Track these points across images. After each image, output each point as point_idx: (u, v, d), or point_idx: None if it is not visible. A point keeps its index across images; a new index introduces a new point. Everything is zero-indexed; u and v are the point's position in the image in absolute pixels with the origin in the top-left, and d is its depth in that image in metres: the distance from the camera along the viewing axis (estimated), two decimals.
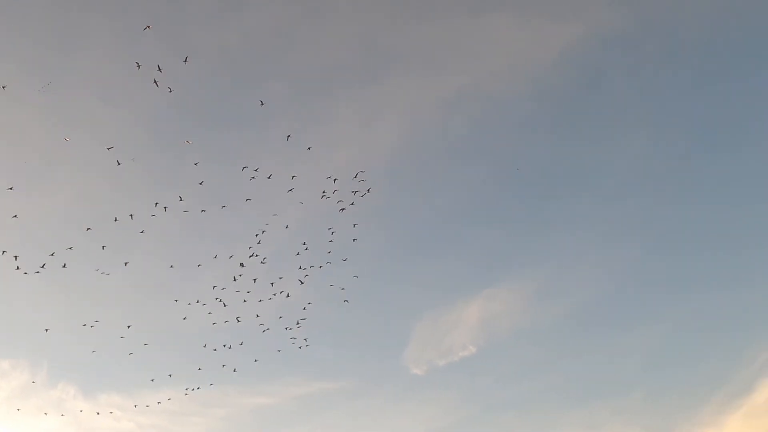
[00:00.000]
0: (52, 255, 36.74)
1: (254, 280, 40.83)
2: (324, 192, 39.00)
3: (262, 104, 36.92)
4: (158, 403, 48.12)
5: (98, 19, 50.57)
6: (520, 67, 58.26)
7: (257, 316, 42.99)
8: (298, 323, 42.76)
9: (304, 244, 41.12)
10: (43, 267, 36.81)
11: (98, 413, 49.74)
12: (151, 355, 54.96)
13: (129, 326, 43.07)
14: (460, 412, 59.05)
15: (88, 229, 37.71)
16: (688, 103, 65.10)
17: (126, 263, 39.93)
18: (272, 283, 41.11)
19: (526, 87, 60.17)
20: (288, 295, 41.52)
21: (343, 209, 39.91)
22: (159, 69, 30.87)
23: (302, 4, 51.33)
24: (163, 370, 55.72)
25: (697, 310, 65.76)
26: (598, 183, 67.05)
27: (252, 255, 40.32)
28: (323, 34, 49.78)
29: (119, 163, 34.24)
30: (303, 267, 41.27)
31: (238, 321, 43.89)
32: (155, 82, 31.47)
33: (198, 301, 41.97)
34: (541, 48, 54.79)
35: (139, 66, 30.93)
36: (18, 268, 36.58)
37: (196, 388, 45.41)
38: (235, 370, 44.69)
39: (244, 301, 41.49)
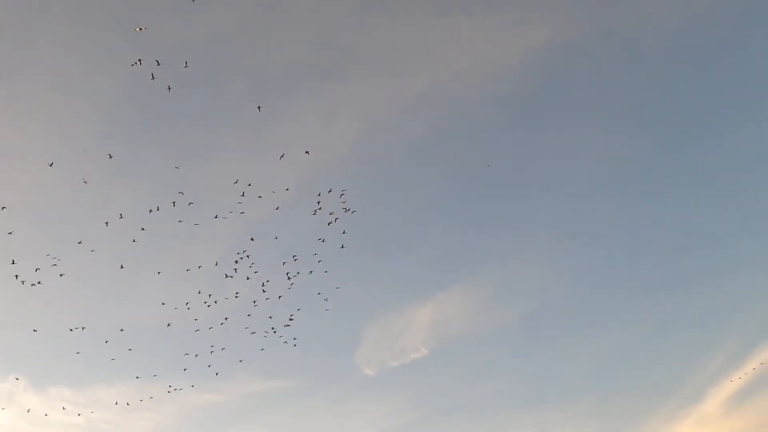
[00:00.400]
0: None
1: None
2: (318, 204, 39.50)
3: (260, 109, 36.35)
4: (112, 401, 48.20)
5: (57, 11, 49.85)
6: (482, 70, 59.23)
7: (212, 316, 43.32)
8: (291, 317, 43.40)
9: (252, 239, 41.77)
10: None
11: (48, 407, 49.53)
12: (102, 350, 54.73)
13: (83, 328, 42.82)
14: (412, 413, 60.08)
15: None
16: (647, 106, 66.80)
17: (122, 266, 39.92)
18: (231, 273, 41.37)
19: (488, 90, 61.22)
20: (237, 295, 42.05)
21: (330, 223, 40.57)
22: (157, 63, 30.68)
23: (263, 1, 51.37)
24: (115, 367, 55.52)
25: (650, 314, 67.03)
26: (555, 186, 68.43)
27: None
28: (284, 32, 49.85)
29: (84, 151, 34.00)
30: (256, 270, 41.85)
31: (196, 320, 44.20)
32: (152, 76, 31.20)
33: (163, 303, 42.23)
34: (503, 52, 55.90)
35: (140, 63, 30.58)
36: None
37: (181, 388, 45.35)
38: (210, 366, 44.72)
39: (207, 304, 41.79)
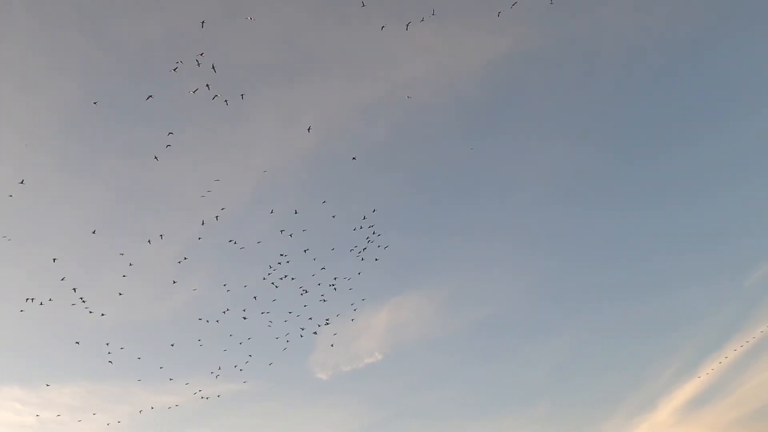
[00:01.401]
0: None
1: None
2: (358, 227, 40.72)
3: (243, 97, 36.90)
4: (64, 402, 47.79)
5: (18, 10, 49.85)
6: (440, 77, 60.16)
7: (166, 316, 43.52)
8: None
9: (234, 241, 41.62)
10: None
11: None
12: (55, 350, 54.34)
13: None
14: (365, 418, 60.19)
15: None
16: (604, 116, 68.31)
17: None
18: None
19: (446, 97, 62.12)
20: (195, 289, 42.14)
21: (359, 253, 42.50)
22: (213, 69, 31.07)
23: (223, 2, 51.90)
24: (68, 367, 55.09)
25: (604, 322, 68.76)
26: (511, 193, 69.40)
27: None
28: (244, 34, 50.39)
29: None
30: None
31: (150, 321, 44.34)
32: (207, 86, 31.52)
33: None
34: (462, 60, 56.89)
35: (198, 63, 30.86)
36: None
37: (135, 389, 45.03)
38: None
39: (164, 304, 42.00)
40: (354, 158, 41.08)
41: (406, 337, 58.30)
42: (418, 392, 63.35)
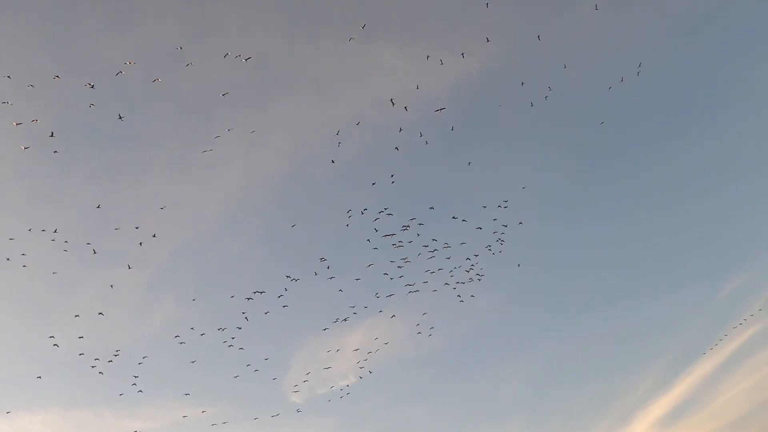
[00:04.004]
0: None
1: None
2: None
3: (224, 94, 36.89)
4: (36, 429, 46.88)
5: None
6: (410, 98, 60.44)
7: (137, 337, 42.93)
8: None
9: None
10: None
11: None
12: (25, 374, 53.39)
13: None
14: None
15: None
16: (574, 131, 68.37)
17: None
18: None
19: (416, 117, 62.29)
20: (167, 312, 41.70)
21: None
22: (91, 86, 30.95)
23: (192, 22, 51.85)
24: (39, 393, 54.09)
25: (579, 334, 68.38)
26: (487, 208, 68.93)
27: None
28: (212, 55, 50.53)
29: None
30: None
31: (119, 347, 43.70)
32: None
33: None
34: (432, 81, 57.16)
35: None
36: None
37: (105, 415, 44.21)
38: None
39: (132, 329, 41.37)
40: (333, 161, 41.38)
41: (381, 356, 58.09)
42: (394, 411, 63.08)
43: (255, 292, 43.38)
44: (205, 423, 54.99)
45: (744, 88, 67.89)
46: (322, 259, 43.42)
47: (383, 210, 42.69)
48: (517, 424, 63.76)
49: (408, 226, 42.75)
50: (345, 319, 45.75)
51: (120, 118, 32.30)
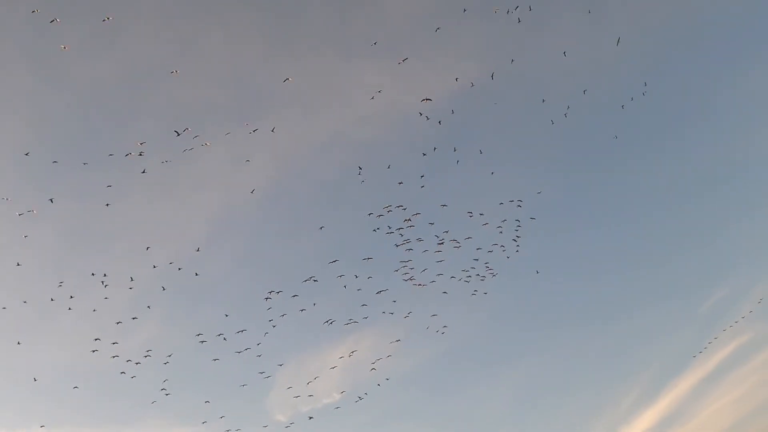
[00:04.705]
0: None
1: None
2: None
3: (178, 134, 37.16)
4: None
5: None
6: (389, 115, 60.79)
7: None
8: None
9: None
10: None
11: None
12: (5, 396, 52.69)
13: None
14: None
15: None
16: (555, 145, 68.39)
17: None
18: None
19: (395, 135, 62.51)
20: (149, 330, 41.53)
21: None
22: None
23: (177, 40, 52.07)
24: (20, 413, 53.33)
25: (564, 346, 67.57)
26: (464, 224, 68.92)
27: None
28: (195, 73, 50.67)
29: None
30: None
31: (103, 366, 43.42)
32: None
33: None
34: (409, 97, 57.50)
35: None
36: None
37: None
38: None
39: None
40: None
41: (365, 374, 57.65)
42: (379, 430, 62.49)
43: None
44: None
45: (727, 98, 68.77)
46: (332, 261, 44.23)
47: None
48: None
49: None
50: (321, 339, 45.93)
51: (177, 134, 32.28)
